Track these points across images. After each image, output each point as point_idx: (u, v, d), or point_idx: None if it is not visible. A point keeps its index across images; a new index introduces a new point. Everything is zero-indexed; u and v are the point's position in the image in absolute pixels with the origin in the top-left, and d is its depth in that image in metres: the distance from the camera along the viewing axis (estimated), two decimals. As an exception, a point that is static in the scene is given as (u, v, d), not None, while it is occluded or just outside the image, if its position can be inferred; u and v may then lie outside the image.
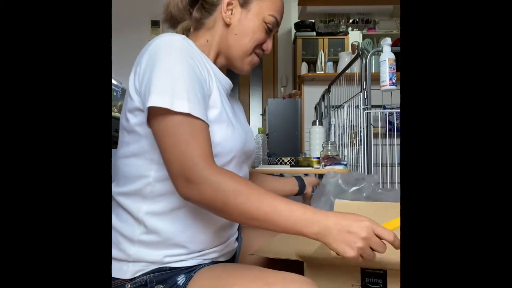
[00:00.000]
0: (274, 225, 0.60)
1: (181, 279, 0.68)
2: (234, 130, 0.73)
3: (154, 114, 0.63)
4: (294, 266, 0.75)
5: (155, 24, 2.97)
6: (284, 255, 0.79)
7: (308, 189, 1.04)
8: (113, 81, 2.47)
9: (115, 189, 0.74)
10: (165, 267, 0.69)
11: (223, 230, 0.76)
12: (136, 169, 0.70)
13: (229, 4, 0.76)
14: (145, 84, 0.64)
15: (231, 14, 0.76)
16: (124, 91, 2.67)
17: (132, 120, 0.69)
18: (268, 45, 0.81)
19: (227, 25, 0.76)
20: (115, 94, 2.53)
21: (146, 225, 0.69)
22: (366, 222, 0.59)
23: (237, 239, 0.84)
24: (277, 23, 0.79)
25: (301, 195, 1.04)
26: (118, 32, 2.91)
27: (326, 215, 0.60)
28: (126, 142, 0.71)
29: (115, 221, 0.72)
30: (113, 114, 2.34)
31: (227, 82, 0.79)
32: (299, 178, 1.03)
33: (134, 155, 0.70)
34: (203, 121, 0.64)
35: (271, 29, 0.79)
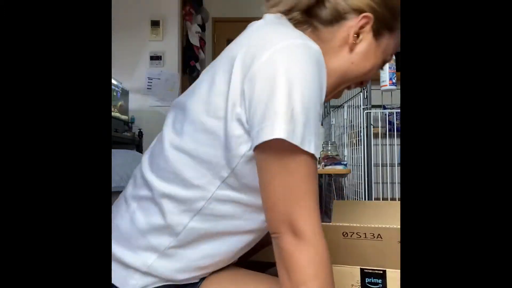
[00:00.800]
0: None
1: None
2: None
3: (273, 143, 0.50)
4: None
5: (155, 24, 2.97)
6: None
7: None
8: (113, 81, 2.47)
9: (156, 182, 0.62)
10: (171, 285, 0.62)
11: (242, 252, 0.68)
12: (196, 176, 0.58)
13: (362, 27, 0.60)
14: (268, 105, 0.50)
15: (358, 38, 0.61)
16: (124, 91, 2.67)
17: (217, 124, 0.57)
18: (366, 82, 0.70)
19: (350, 50, 0.62)
20: (115, 94, 2.53)
21: (181, 239, 0.61)
22: None
23: None
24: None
25: None
26: (118, 32, 2.91)
27: None
28: (198, 139, 0.58)
29: (142, 220, 0.62)
30: (112, 114, 2.34)
31: None
32: None
33: (202, 160, 0.58)
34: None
35: (382, 68, 0.69)
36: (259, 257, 0.84)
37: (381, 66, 0.67)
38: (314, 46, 0.54)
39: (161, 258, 0.61)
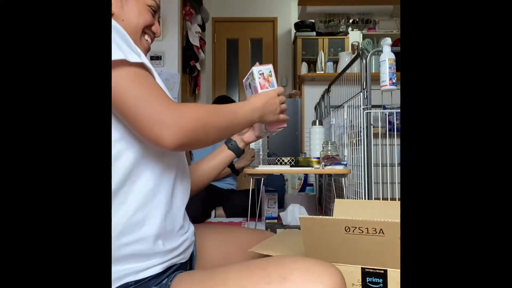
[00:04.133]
0: (233, 123, 0.74)
1: None
2: None
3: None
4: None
5: (155, 24, 2.97)
6: (284, 253, 0.79)
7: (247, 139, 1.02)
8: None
9: None
10: (130, 281, 0.65)
11: (174, 215, 0.73)
12: None
13: None
14: None
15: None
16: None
17: None
18: (158, 29, 0.85)
19: (112, 15, 0.78)
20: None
21: None
22: (269, 92, 0.83)
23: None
24: (158, 6, 0.84)
25: (241, 152, 1.02)
26: (118, 32, 2.90)
27: (253, 102, 0.81)
28: None
29: None
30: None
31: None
32: (228, 141, 1.02)
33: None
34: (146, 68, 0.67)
35: (155, 11, 0.83)
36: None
37: (150, 10, 0.81)
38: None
39: None
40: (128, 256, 0.65)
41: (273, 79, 0.88)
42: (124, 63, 0.61)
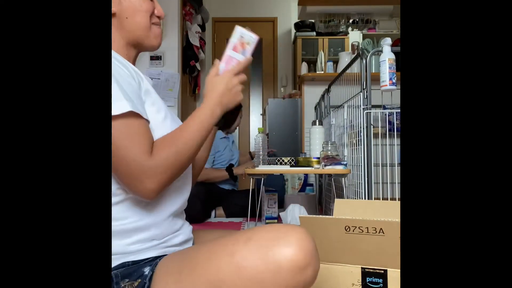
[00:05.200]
0: (201, 140, 0.73)
1: (147, 270, 0.69)
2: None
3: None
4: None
5: (155, 24, 2.97)
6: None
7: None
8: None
9: None
10: (128, 261, 0.70)
11: (176, 217, 0.79)
12: None
13: None
14: None
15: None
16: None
17: None
18: (160, 10, 0.84)
19: (113, 15, 0.77)
20: (115, 94, 2.52)
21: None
22: (226, 75, 0.79)
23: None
24: None
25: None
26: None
27: (210, 99, 0.76)
28: None
29: None
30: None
31: (148, 78, 0.82)
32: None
33: None
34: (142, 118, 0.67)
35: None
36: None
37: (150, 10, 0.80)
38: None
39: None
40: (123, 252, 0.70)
41: (249, 48, 0.82)
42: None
